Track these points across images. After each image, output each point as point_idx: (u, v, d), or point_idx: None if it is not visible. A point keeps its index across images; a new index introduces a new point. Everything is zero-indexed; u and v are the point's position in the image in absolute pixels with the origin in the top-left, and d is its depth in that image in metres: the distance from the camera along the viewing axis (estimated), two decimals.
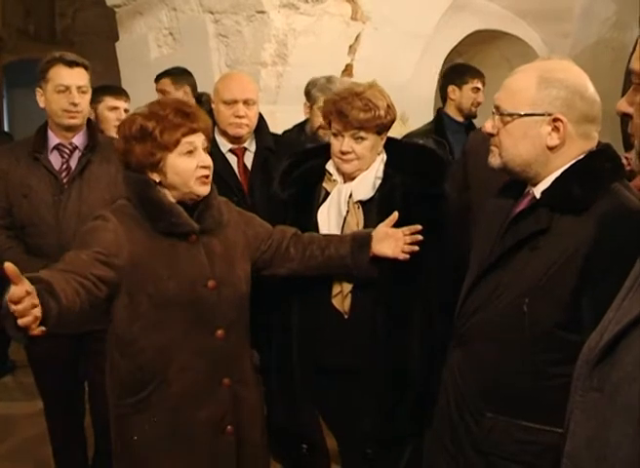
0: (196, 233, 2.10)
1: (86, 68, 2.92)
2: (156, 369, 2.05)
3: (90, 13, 7.25)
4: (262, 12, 4.03)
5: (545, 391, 1.71)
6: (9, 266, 1.60)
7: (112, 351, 2.13)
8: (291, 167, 2.52)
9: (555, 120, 1.73)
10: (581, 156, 1.77)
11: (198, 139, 2.07)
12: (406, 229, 2.26)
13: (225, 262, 2.16)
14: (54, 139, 2.91)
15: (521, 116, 1.76)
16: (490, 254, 1.84)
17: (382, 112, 2.31)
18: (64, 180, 2.86)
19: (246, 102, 2.89)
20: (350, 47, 4.45)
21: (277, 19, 4.06)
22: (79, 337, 2.89)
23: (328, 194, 2.42)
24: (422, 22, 4.67)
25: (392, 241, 2.25)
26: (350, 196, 2.38)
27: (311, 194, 2.45)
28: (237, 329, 2.17)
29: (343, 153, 2.35)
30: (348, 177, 2.40)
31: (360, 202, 2.38)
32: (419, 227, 2.25)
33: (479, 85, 4.18)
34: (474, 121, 4.33)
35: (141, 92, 4.24)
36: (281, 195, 2.48)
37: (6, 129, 8.60)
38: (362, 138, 2.33)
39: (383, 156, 2.42)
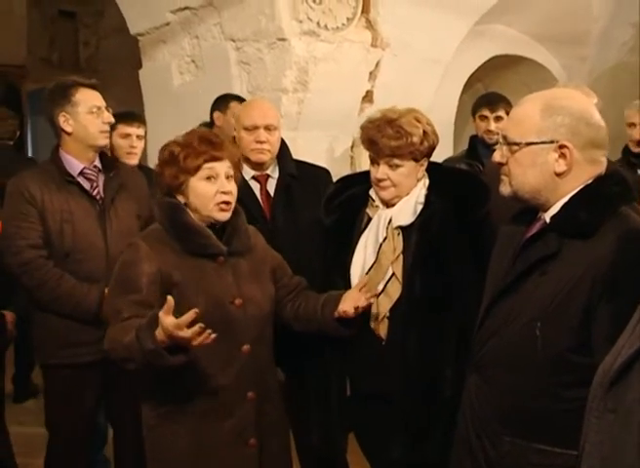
0: (224, 255, 2.20)
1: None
2: (185, 381, 2.14)
3: (113, 41, 7.34)
4: (284, 39, 4.09)
5: (560, 414, 1.72)
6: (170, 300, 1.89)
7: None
8: (335, 193, 2.53)
9: (561, 147, 1.75)
10: (590, 181, 1.79)
11: (221, 167, 2.18)
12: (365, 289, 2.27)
13: (252, 282, 2.27)
14: (77, 165, 2.86)
15: (528, 144, 1.78)
16: (502, 280, 1.86)
17: (416, 139, 2.29)
18: (100, 202, 2.86)
19: (267, 128, 2.87)
20: (370, 73, 4.49)
21: (298, 46, 4.11)
22: (106, 366, 2.72)
23: (370, 220, 2.41)
24: (442, 48, 4.71)
25: (354, 299, 2.28)
26: (390, 222, 2.36)
27: (354, 220, 2.46)
28: (262, 345, 2.27)
29: (379, 180, 2.34)
30: (389, 203, 2.39)
31: (400, 227, 2.36)
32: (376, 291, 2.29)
33: (485, 113, 4.12)
34: None
35: (165, 119, 4.32)
36: (325, 221, 2.50)
37: (29, 154, 8.72)
38: (397, 166, 2.32)
39: (425, 181, 2.41)
